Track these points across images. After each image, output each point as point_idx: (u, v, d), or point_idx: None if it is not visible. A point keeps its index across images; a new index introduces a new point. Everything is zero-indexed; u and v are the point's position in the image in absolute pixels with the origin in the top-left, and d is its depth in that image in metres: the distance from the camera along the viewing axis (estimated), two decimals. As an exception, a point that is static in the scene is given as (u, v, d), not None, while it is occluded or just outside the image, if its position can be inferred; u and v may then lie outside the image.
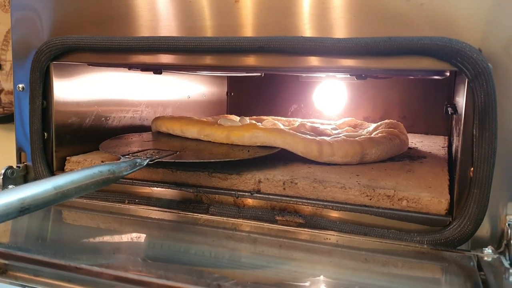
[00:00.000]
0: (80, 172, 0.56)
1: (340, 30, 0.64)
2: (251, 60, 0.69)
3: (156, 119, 1.01)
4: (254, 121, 1.24)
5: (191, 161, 0.75)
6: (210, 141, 0.88)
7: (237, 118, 1.27)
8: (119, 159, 0.71)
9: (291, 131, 0.86)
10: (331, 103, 1.43)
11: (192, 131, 0.91)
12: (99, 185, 0.58)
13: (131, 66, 0.92)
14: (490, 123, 0.57)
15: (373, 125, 1.07)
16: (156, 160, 0.72)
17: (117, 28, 0.75)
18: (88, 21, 0.77)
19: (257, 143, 0.83)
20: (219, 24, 0.69)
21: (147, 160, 0.70)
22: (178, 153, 0.78)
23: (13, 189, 0.48)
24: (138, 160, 0.68)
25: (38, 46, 0.78)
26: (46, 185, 0.50)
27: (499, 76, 0.58)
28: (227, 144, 0.86)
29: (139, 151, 0.78)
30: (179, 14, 0.71)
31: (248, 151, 0.80)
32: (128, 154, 0.75)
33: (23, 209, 0.47)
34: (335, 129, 1.15)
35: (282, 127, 1.14)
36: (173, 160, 0.74)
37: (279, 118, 1.29)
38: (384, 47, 0.60)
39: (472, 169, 0.59)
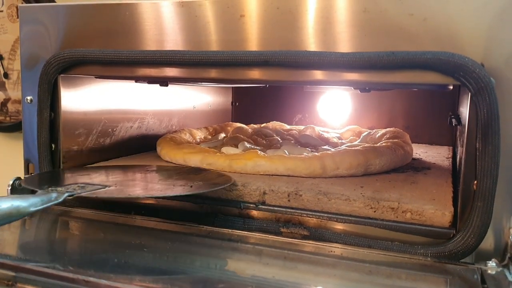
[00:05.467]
0: None
1: (343, 44, 0.65)
2: (256, 74, 0.70)
3: (161, 147, 0.99)
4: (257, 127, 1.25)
5: (110, 196, 0.69)
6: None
7: (243, 126, 1.28)
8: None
9: (291, 155, 0.86)
10: (335, 113, 1.43)
11: (194, 160, 0.89)
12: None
13: (137, 79, 0.93)
14: (493, 136, 0.57)
15: (380, 132, 1.07)
16: (77, 195, 0.65)
17: (124, 42, 0.76)
18: (95, 35, 0.78)
19: (260, 172, 0.83)
20: (224, 39, 0.70)
21: (65, 195, 0.62)
22: (107, 188, 0.69)
23: None
24: (54, 195, 0.61)
25: (47, 59, 0.79)
26: None
27: (502, 90, 0.58)
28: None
29: (65, 185, 0.70)
30: (185, 28, 0.72)
31: (191, 186, 0.72)
32: (49, 187, 0.66)
33: None
34: (340, 138, 1.16)
35: (287, 127, 1.15)
36: (94, 196, 0.67)
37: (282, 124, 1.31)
38: (387, 62, 0.61)
39: (475, 182, 0.59)
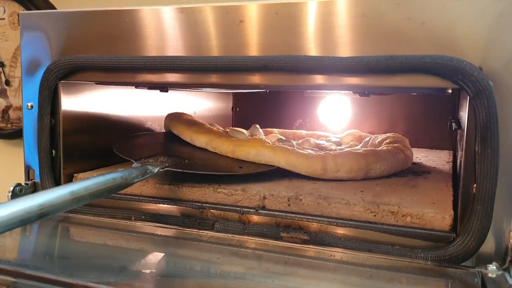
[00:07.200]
0: (94, 179, 0.61)
1: (343, 48, 0.65)
2: (255, 79, 0.70)
3: (170, 118, 1.02)
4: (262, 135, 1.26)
5: (199, 172, 0.78)
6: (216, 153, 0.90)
7: (245, 131, 1.28)
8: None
9: (295, 149, 0.86)
10: (335, 117, 1.44)
11: (201, 141, 0.92)
12: (112, 191, 0.63)
13: (138, 85, 0.93)
14: (492, 140, 0.57)
15: (380, 137, 1.07)
16: (166, 168, 0.76)
17: (124, 48, 0.76)
18: (96, 41, 0.78)
19: (261, 161, 0.84)
20: (224, 44, 0.71)
21: (158, 168, 0.73)
22: (186, 161, 0.82)
23: (31, 195, 0.52)
24: (149, 168, 0.72)
25: (47, 66, 0.80)
26: (63, 191, 0.55)
27: (500, 94, 0.58)
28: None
29: (150, 156, 0.81)
30: (185, 34, 0.73)
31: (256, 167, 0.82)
32: (140, 159, 0.78)
33: (42, 214, 0.51)
34: (339, 143, 1.16)
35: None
36: (181, 170, 0.78)
37: (283, 130, 1.31)
38: (386, 66, 0.61)
39: (475, 185, 0.59)
